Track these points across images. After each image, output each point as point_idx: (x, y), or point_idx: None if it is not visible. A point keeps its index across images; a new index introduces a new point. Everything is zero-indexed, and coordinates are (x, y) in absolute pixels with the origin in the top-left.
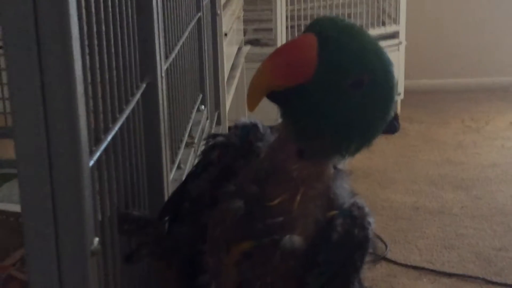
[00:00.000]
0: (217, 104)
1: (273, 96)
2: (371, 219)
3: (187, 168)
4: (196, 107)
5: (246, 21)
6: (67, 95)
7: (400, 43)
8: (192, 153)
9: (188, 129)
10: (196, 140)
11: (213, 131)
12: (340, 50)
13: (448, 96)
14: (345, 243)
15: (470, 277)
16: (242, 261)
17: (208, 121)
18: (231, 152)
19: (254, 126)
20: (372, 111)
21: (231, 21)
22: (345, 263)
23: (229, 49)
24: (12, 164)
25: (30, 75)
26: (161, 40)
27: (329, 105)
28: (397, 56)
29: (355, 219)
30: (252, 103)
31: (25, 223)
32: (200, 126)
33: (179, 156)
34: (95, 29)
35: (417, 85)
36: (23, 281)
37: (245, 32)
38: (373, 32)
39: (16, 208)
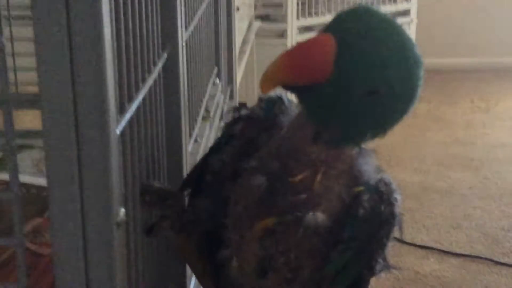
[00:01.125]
0: (230, 78)
1: (288, 88)
2: (398, 195)
3: (204, 142)
4: (211, 80)
5: None
6: (96, 60)
7: (411, 21)
8: (208, 127)
9: (205, 102)
10: (212, 114)
11: (226, 107)
12: (357, 59)
13: (458, 75)
14: (371, 219)
15: (477, 257)
16: (265, 237)
17: (222, 95)
18: (255, 126)
19: (279, 99)
20: (387, 117)
21: None
22: (370, 240)
23: (240, 24)
24: (20, 135)
25: (58, 40)
26: (182, 9)
27: (343, 107)
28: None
29: (382, 194)
30: (266, 89)
31: (50, 194)
32: (215, 100)
33: (196, 130)
34: None
35: (427, 63)
36: (35, 252)
37: (255, 7)
38: (384, 9)
39: (25, 179)
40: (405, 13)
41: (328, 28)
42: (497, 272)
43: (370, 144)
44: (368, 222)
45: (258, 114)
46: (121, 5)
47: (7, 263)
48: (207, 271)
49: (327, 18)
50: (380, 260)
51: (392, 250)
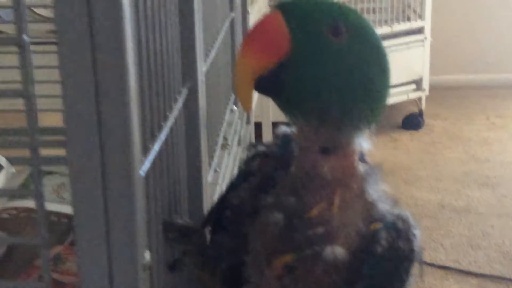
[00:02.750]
0: None
1: (262, 87)
2: (416, 231)
3: (222, 171)
4: (228, 107)
5: None
6: (121, 100)
7: (425, 38)
8: (226, 155)
9: (223, 130)
10: (230, 141)
11: (243, 131)
12: (304, 7)
13: (473, 92)
14: (390, 256)
15: (497, 277)
16: (284, 274)
17: (239, 121)
18: (271, 162)
19: (294, 135)
20: (362, 65)
21: (257, 18)
22: (390, 276)
23: None
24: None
25: (84, 83)
26: (201, 43)
27: (317, 63)
28: (422, 52)
29: (400, 232)
30: (245, 99)
31: (77, 238)
32: (233, 127)
33: (215, 160)
34: (143, 34)
35: (442, 81)
36: (57, 281)
37: None
38: (398, 27)
39: (47, 206)
40: (419, 31)
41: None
42: None
43: (382, 161)
44: (387, 259)
45: (274, 150)
46: (144, 44)
47: None
48: None
49: None
50: None
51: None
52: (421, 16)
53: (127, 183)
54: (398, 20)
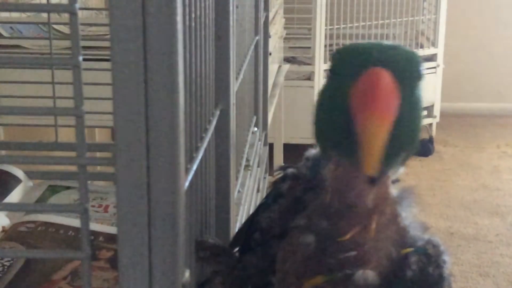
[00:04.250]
0: (264, 124)
1: None
2: (446, 257)
3: (245, 191)
4: (251, 129)
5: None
6: (169, 120)
7: (437, 65)
8: (248, 176)
9: (246, 152)
10: (251, 163)
11: (261, 153)
12: (399, 59)
13: (484, 120)
14: (419, 281)
15: None
16: None
17: (260, 142)
18: (301, 184)
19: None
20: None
21: (275, 41)
22: None
23: (271, 67)
24: (61, 177)
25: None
26: (234, 65)
27: (416, 114)
28: (434, 79)
29: (430, 257)
30: (375, 161)
31: (119, 252)
32: (255, 149)
33: (240, 180)
34: (187, 55)
35: (453, 108)
36: None
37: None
38: None
39: (65, 220)
40: (432, 58)
41: (363, 62)
42: None
43: None
44: (416, 284)
45: (304, 172)
46: (187, 66)
47: None
48: None
49: None
50: None
51: None
52: (434, 44)
53: (172, 201)
54: (411, 47)
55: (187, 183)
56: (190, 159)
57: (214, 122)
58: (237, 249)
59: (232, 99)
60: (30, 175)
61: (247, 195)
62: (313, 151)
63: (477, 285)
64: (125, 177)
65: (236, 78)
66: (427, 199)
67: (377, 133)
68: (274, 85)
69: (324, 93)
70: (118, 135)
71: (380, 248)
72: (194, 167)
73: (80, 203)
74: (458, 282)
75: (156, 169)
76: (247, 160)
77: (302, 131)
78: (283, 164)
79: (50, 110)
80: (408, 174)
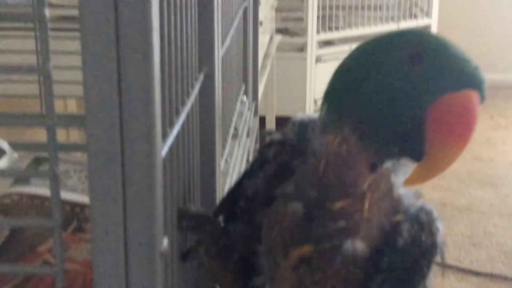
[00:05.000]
0: (254, 94)
1: None
2: (439, 225)
3: (233, 161)
4: (240, 97)
5: (275, 9)
6: (144, 83)
7: None
8: (237, 145)
9: (234, 121)
10: (240, 132)
11: (251, 123)
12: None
13: None
14: (411, 249)
15: (498, 276)
16: (300, 265)
17: (249, 112)
18: (288, 150)
19: (311, 122)
20: None
21: (266, 10)
22: (410, 270)
23: (262, 38)
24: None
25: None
26: (219, 27)
27: None
28: None
29: (423, 224)
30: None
31: (94, 223)
32: (243, 118)
33: (227, 149)
34: (165, 17)
35: None
36: None
37: (275, 21)
38: (404, 24)
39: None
40: (426, 28)
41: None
42: None
43: None
44: (408, 252)
45: (290, 138)
46: (165, 27)
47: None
48: None
49: (347, 32)
50: None
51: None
52: (428, 14)
53: (147, 166)
54: (404, 18)
55: (166, 148)
56: (170, 124)
57: (197, 87)
58: (221, 218)
59: (217, 64)
60: (15, 146)
61: (235, 164)
62: (300, 116)
63: (470, 256)
64: (97, 141)
65: (222, 43)
66: None
67: (455, 159)
68: (266, 56)
69: (381, 66)
70: (89, 96)
71: (371, 219)
72: (175, 132)
73: (49, 168)
74: (451, 253)
75: (130, 134)
76: (236, 129)
77: (295, 103)
78: (269, 129)
79: (15, 69)
80: None
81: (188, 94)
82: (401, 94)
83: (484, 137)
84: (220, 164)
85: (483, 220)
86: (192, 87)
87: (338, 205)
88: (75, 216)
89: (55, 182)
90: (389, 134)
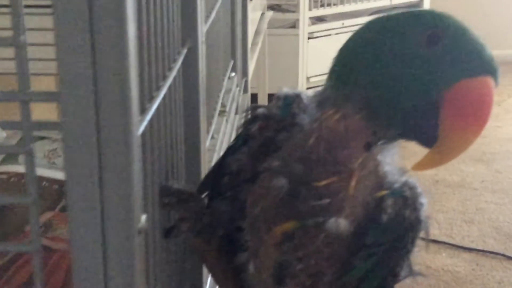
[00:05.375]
0: (244, 71)
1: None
2: (423, 200)
3: (220, 138)
4: (227, 73)
5: None
6: (119, 57)
7: None
8: (224, 122)
9: (221, 96)
10: (227, 108)
11: (241, 100)
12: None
13: None
14: (395, 225)
15: (490, 252)
16: (283, 242)
17: (237, 88)
18: (272, 125)
19: (297, 97)
20: None
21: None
22: (394, 246)
23: (253, 14)
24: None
25: (80, 39)
26: (203, 3)
27: None
28: None
29: (407, 199)
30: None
31: (69, 200)
32: (231, 94)
33: (213, 126)
34: None
35: None
36: (46, 247)
37: None
38: (397, 0)
39: (39, 171)
40: (418, 4)
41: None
42: (510, 268)
43: None
44: (392, 228)
45: (275, 112)
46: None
47: (12, 262)
48: (226, 275)
49: (339, 8)
50: (406, 266)
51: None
52: None
53: (123, 143)
54: None
55: (145, 123)
56: (149, 99)
57: (179, 61)
58: (205, 194)
59: (201, 37)
60: (3, 125)
61: (222, 141)
62: (284, 90)
63: (462, 232)
64: (71, 117)
65: (207, 17)
66: (412, 148)
67: (468, 145)
68: (257, 32)
69: (396, 45)
70: (62, 70)
71: (356, 196)
72: (154, 106)
73: (24, 145)
74: (443, 229)
75: (105, 109)
76: (223, 105)
77: (287, 80)
78: (253, 104)
79: None
80: None
81: (170, 69)
82: (416, 77)
83: None
84: (206, 140)
85: (475, 196)
86: (175, 61)
87: (324, 182)
88: (63, 196)
89: (30, 158)
90: (399, 117)
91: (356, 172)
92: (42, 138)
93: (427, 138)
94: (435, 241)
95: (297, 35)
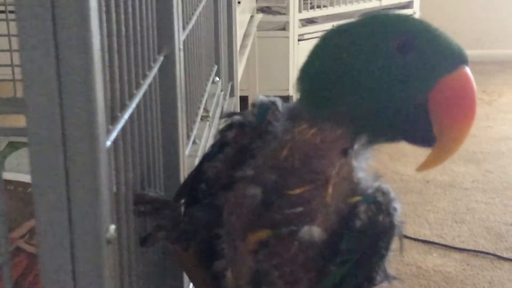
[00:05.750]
0: (230, 75)
1: None
2: (397, 205)
3: (202, 143)
4: (211, 79)
5: None
6: (83, 68)
7: (414, 13)
8: (207, 127)
9: (204, 102)
10: (211, 114)
11: (226, 104)
12: None
13: None
14: (369, 231)
15: (481, 252)
16: (259, 250)
17: (222, 93)
18: (248, 132)
19: (273, 105)
20: None
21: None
22: (369, 251)
23: (242, 17)
24: (20, 133)
25: (44, 44)
26: (179, 9)
27: None
28: None
29: (380, 205)
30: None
31: (37, 210)
32: (215, 99)
33: (195, 131)
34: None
35: None
36: (31, 254)
37: (256, 0)
38: (387, 1)
39: (25, 178)
40: (408, 5)
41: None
42: (500, 267)
43: None
44: (366, 233)
45: (251, 120)
46: (113, 7)
47: None
48: (206, 281)
49: (330, 10)
50: (381, 272)
51: (395, 245)
52: None
53: (89, 154)
54: None
55: (115, 133)
56: (121, 108)
57: (155, 68)
58: (182, 201)
59: (178, 44)
60: None
61: (204, 147)
62: (260, 98)
63: (452, 232)
64: (37, 128)
65: (185, 24)
66: (403, 148)
67: (466, 135)
68: (246, 35)
69: (368, 56)
70: (27, 83)
71: (329, 205)
72: (126, 115)
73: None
74: (434, 230)
75: (71, 120)
76: (207, 110)
77: (277, 82)
78: (229, 111)
79: None
80: None
81: (145, 76)
82: (395, 85)
83: None
84: (185, 146)
85: (466, 196)
86: (150, 68)
87: (297, 191)
88: None
89: None
90: (386, 126)
91: (332, 179)
92: (26, 143)
93: (426, 138)
94: (426, 242)
95: (287, 37)
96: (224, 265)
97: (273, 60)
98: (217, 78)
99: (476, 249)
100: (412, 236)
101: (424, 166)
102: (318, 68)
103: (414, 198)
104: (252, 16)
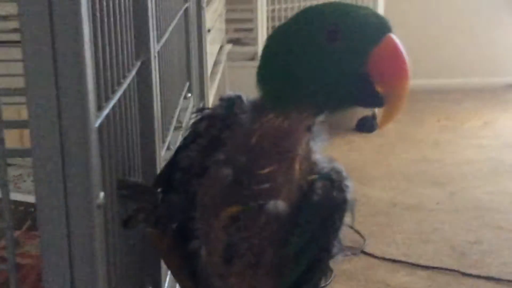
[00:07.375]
0: (202, 94)
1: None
2: (348, 183)
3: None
4: (183, 94)
5: (227, 21)
6: (77, 63)
7: None
8: (180, 136)
9: (177, 112)
10: (184, 125)
11: None
12: None
13: (425, 96)
14: (324, 204)
15: (446, 269)
16: (230, 224)
17: (194, 108)
18: (217, 123)
19: (238, 98)
20: None
21: (214, 18)
22: (325, 223)
23: (211, 47)
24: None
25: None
26: (154, 23)
27: None
28: None
29: (334, 182)
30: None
31: (36, 181)
32: (188, 113)
33: (169, 138)
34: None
35: None
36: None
37: (226, 32)
38: None
39: (16, 196)
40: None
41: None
42: (464, 283)
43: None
44: (322, 207)
45: (220, 112)
46: (99, 16)
47: None
48: (180, 263)
49: None
50: (336, 242)
51: (363, 264)
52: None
53: (82, 131)
54: None
55: (102, 117)
56: (106, 99)
57: (133, 71)
58: (160, 190)
59: (153, 52)
60: None
61: None
62: (228, 93)
63: (419, 251)
64: (37, 111)
65: (159, 36)
66: (371, 172)
67: (407, 89)
68: (216, 63)
69: (304, 46)
70: (28, 77)
71: (291, 182)
72: (110, 105)
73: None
74: (401, 249)
75: (66, 104)
76: (180, 122)
77: (248, 88)
78: (200, 106)
79: None
80: (352, 149)
81: (125, 77)
82: (335, 69)
83: (432, 139)
84: (162, 149)
85: (431, 217)
86: (129, 71)
87: (266, 170)
88: (29, 216)
89: (5, 187)
90: (340, 99)
91: (298, 157)
92: (9, 164)
93: (376, 101)
94: (393, 261)
95: (256, 67)
96: (198, 244)
97: (244, 87)
98: (189, 94)
99: (441, 266)
100: (380, 255)
101: (382, 122)
102: (270, 68)
103: (382, 219)
104: (221, 47)
